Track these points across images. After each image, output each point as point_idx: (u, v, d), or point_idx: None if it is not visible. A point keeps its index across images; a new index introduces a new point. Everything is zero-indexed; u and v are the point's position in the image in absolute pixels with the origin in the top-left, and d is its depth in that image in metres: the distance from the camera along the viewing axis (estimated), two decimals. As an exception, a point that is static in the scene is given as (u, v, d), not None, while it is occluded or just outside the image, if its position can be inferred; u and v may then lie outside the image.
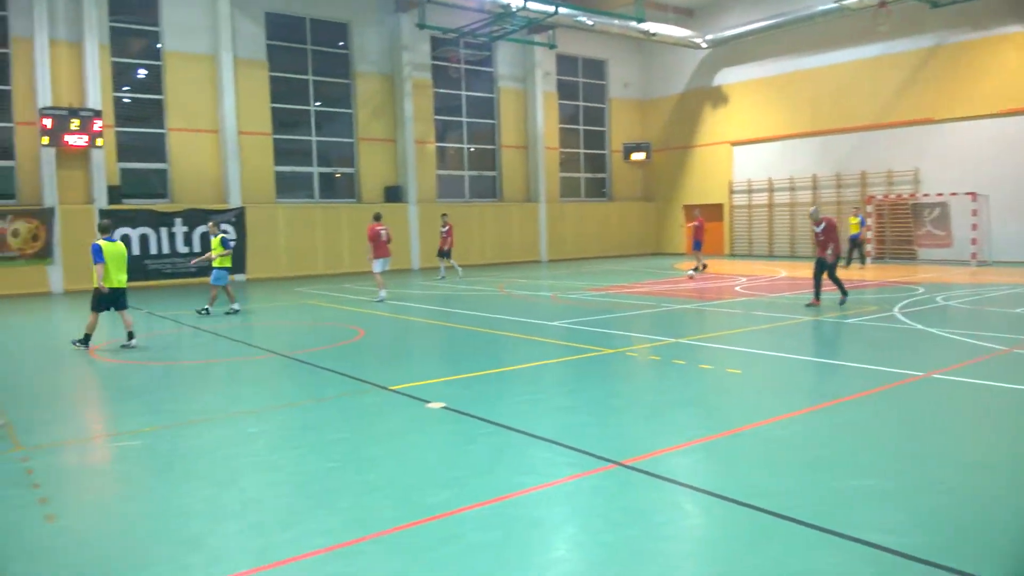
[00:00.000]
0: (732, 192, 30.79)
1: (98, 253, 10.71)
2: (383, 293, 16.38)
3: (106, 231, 11.02)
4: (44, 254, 20.43)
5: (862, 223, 23.52)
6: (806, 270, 17.43)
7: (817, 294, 13.56)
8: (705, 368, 8.64)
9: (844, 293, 13.61)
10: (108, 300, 10.92)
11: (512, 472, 5.27)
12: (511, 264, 28.77)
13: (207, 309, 14.75)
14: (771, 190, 29.34)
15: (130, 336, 11.06)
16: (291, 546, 4.17)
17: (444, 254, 22.52)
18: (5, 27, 20.46)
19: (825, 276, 13.52)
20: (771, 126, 29.09)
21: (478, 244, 28.73)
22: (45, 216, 20.39)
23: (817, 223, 13.60)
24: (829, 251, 13.39)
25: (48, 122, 19.89)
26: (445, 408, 7.02)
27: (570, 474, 5.19)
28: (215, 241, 14.80)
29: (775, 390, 7.84)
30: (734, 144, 30.52)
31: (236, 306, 14.96)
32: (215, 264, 14.70)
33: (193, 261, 14.70)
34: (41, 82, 20.39)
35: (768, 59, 28.92)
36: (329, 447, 6.01)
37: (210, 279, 14.90)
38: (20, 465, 5.73)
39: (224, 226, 15.29)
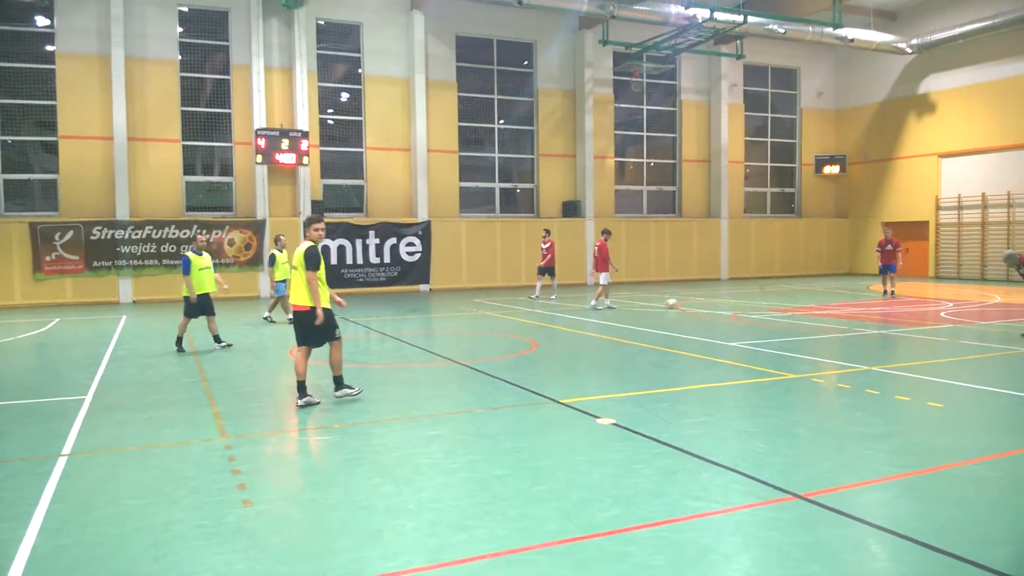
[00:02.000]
0: (939, 208, 28.25)
1: (186, 265, 11.86)
2: (593, 303, 17.89)
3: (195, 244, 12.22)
4: (255, 262, 22.54)
5: None
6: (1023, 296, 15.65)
7: (1039, 323, 12.13)
8: (902, 399, 7.96)
9: None
10: (196, 307, 12.01)
11: (683, 495, 5.12)
12: (689, 281, 28.08)
13: (269, 317, 15.99)
14: (985, 207, 26.61)
15: (216, 340, 12.19)
16: (463, 548, 4.29)
17: (545, 271, 20.57)
18: (227, 56, 22.89)
19: None
20: (986, 136, 26.41)
21: (655, 260, 28.32)
22: (257, 227, 22.51)
23: (1017, 267, 12.12)
24: None
25: (262, 142, 21.98)
26: (615, 425, 6.96)
27: (745, 503, 4.96)
28: (281, 256, 15.59)
29: (982, 427, 7.07)
30: (942, 156, 28.01)
31: (283, 318, 15.88)
32: (279, 277, 15.45)
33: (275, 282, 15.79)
34: (256, 105, 22.60)
35: (983, 63, 26.32)
36: (501, 455, 6.14)
37: (275, 291, 15.74)
38: (224, 453, 6.32)
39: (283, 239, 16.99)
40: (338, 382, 8.26)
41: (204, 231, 21.60)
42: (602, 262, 17.71)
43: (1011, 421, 7.34)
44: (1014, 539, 4.33)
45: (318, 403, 8.00)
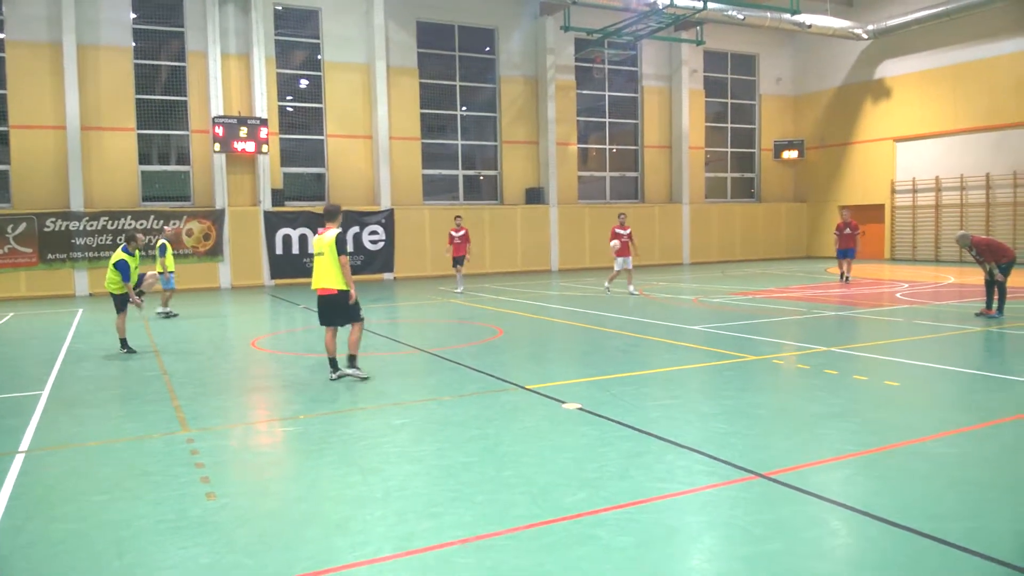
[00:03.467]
0: (894, 192, 28.84)
1: (126, 272, 10.85)
2: (631, 288, 17.49)
3: (127, 241, 11.23)
4: (215, 252, 22.20)
5: None
6: (976, 276, 16.05)
7: (988, 303, 12.45)
8: (859, 379, 8.15)
9: (989, 307, 12.42)
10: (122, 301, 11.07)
11: (648, 477, 5.19)
12: (652, 267, 28.31)
13: (167, 312, 15.10)
14: (938, 189, 27.25)
15: (123, 344, 11.04)
16: (430, 535, 4.30)
17: (460, 261, 19.14)
18: (182, 43, 22.41)
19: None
20: (940, 121, 27.00)
21: (619, 246, 28.47)
22: (216, 217, 22.15)
23: (969, 249, 12.44)
24: (995, 271, 12.23)
25: (220, 130, 21.59)
26: (581, 409, 7.01)
27: (708, 483, 5.04)
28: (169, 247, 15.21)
29: (937, 405, 7.27)
30: (897, 140, 28.58)
31: (167, 310, 15.23)
32: (171, 267, 15.08)
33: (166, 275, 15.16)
34: (214, 93, 22.17)
35: (937, 49, 26.86)
36: (468, 442, 6.15)
37: (164, 283, 15.01)
38: (187, 446, 6.24)
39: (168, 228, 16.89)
40: (352, 360, 8.65)
41: (164, 222, 21.18)
42: (621, 247, 17.23)
43: (965, 398, 7.56)
44: (969, 513, 4.47)
45: (366, 378, 8.58)
